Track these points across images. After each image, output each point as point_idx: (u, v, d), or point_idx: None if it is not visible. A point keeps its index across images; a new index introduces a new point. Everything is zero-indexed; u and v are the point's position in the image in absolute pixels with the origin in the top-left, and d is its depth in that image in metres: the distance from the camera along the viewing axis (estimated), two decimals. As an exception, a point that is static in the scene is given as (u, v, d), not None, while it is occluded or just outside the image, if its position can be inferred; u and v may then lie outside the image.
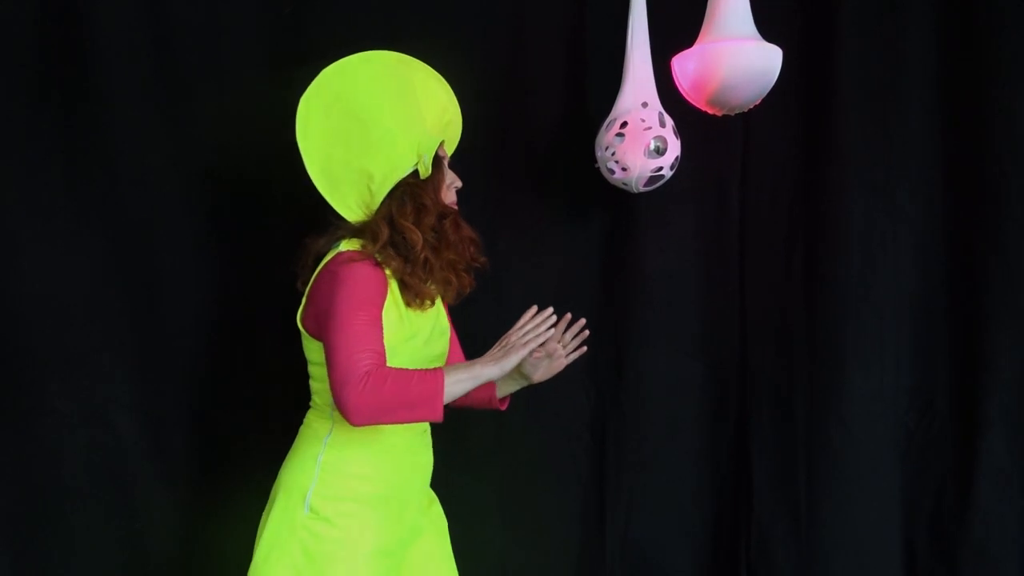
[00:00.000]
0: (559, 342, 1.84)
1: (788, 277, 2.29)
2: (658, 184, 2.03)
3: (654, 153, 1.97)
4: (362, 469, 1.71)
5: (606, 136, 2.01)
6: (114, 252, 2.14)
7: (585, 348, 1.87)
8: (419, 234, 1.69)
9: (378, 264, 1.67)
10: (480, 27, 2.21)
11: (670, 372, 2.32)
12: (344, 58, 1.74)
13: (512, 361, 1.67)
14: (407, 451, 1.78)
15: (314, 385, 1.77)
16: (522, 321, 1.72)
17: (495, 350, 1.71)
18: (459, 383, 1.63)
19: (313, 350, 1.72)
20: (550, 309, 1.73)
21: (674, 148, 1.99)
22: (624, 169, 1.99)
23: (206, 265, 2.19)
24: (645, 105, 1.99)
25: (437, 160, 1.74)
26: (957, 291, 2.27)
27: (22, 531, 2.15)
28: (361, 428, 1.64)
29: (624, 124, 1.98)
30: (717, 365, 2.34)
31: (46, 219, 2.10)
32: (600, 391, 2.31)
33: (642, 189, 2.03)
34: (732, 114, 2.00)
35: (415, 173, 1.69)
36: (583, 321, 1.84)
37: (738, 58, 1.85)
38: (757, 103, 1.96)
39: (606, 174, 2.04)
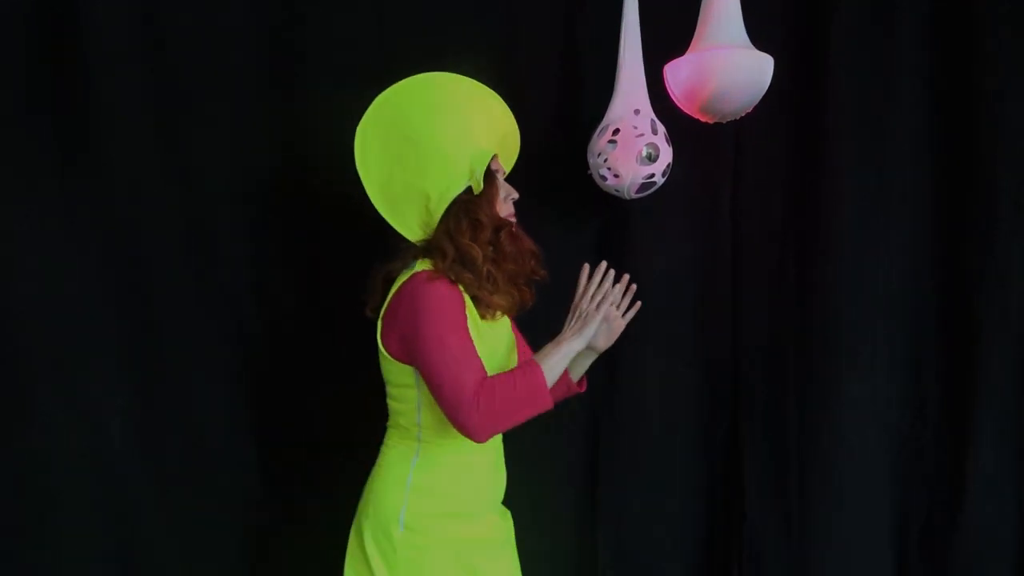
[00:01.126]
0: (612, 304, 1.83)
1: (780, 283, 2.30)
2: (650, 191, 2.04)
3: (646, 160, 1.98)
4: (448, 487, 1.75)
5: (598, 143, 2.02)
6: (106, 257, 2.14)
7: (640, 303, 1.87)
8: (478, 249, 1.70)
9: (452, 282, 1.69)
10: (473, 33, 2.21)
11: (663, 378, 2.32)
12: (396, 83, 1.77)
13: (592, 328, 1.73)
14: (487, 468, 1.82)
15: (394, 405, 1.79)
16: (582, 285, 1.77)
17: (571, 323, 1.75)
18: (554, 366, 1.69)
19: (395, 372, 1.73)
20: (604, 263, 1.77)
21: (666, 155, 2.00)
22: (616, 176, 2.00)
23: (198, 270, 2.19)
24: (637, 112, 2.00)
25: (490, 174, 1.75)
26: (949, 297, 2.28)
27: (12, 536, 2.14)
28: (446, 448, 1.73)
29: (616, 131, 1.99)
30: (710, 371, 2.35)
31: (38, 223, 2.09)
32: (593, 397, 2.31)
33: (634, 196, 2.04)
34: (724, 121, 2.01)
35: (469, 189, 1.71)
36: (627, 276, 1.82)
37: (730, 66, 1.86)
38: (749, 111, 1.98)
39: (598, 181, 2.05)
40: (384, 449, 1.82)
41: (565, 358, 1.71)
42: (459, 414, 1.60)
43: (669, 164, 2.01)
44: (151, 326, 2.18)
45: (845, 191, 2.25)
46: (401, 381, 1.73)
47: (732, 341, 2.33)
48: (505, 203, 1.80)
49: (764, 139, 2.27)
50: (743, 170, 2.30)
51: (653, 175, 2.00)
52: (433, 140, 1.72)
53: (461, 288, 1.70)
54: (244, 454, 2.25)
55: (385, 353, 1.73)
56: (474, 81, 1.84)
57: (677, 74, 1.95)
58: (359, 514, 1.79)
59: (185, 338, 2.19)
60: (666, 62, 1.99)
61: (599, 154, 2.01)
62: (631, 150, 1.97)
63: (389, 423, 1.82)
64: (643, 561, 2.37)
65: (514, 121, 1.89)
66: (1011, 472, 2.28)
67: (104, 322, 2.15)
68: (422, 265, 1.73)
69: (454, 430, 1.65)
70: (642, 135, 1.97)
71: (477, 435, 1.62)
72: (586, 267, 1.78)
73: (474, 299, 1.72)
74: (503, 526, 1.88)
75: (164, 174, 2.14)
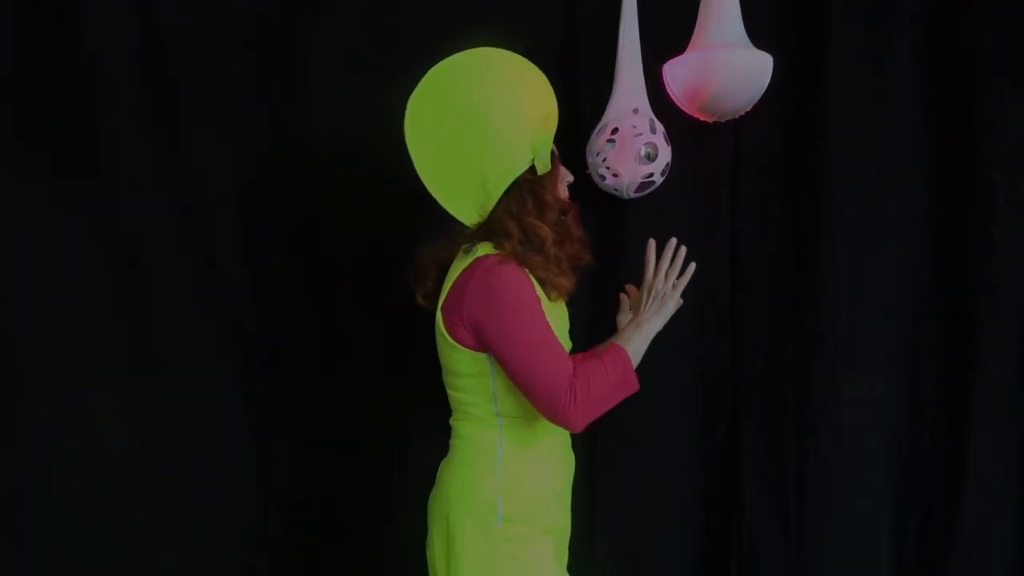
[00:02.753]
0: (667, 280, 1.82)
1: (778, 283, 2.30)
2: (649, 190, 2.04)
3: (645, 159, 1.98)
4: (538, 472, 1.73)
5: (597, 142, 2.01)
6: (104, 258, 2.13)
7: (693, 267, 1.85)
8: (546, 229, 1.67)
9: (520, 264, 1.65)
10: (470, 32, 2.21)
11: (661, 377, 2.31)
12: (448, 58, 1.71)
13: (671, 307, 1.77)
14: (565, 448, 1.82)
15: (463, 396, 1.74)
16: (651, 263, 1.78)
17: (649, 303, 1.76)
18: (639, 349, 1.72)
19: (465, 361, 1.69)
20: (673, 240, 1.79)
21: (665, 154, 2.00)
22: (615, 175, 2.00)
23: (196, 273, 2.18)
24: (636, 111, 1.99)
25: (553, 154, 1.73)
26: (946, 298, 2.28)
27: (11, 537, 2.14)
28: (530, 433, 1.71)
29: (615, 130, 1.98)
30: (708, 371, 2.34)
31: (34, 227, 2.09)
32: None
33: (633, 195, 2.04)
34: (723, 120, 2.01)
35: (531, 170, 1.68)
36: (684, 248, 1.83)
37: (730, 65, 1.85)
38: (748, 109, 1.97)
39: (597, 180, 2.05)
40: (459, 442, 1.75)
41: (645, 338, 1.73)
42: (557, 407, 1.59)
43: (668, 163, 2.01)
44: (149, 327, 2.18)
45: (844, 190, 2.25)
46: (473, 370, 1.68)
47: (731, 340, 2.33)
48: (563, 185, 1.79)
49: (763, 138, 2.27)
50: (742, 169, 2.30)
51: (652, 174, 1.99)
52: (492, 118, 1.65)
53: (527, 271, 1.66)
54: (243, 456, 2.25)
55: (453, 342, 1.67)
56: (523, 58, 1.79)
57: (676, 73, 1.94)
58: (442, 514, 1.72)
59: (184, 339, 2.19)
60: (665, 61, 1.99)
61: (598, 153, 2.01)
62: (630, 149, 1.97)
63: (457, 415, 1.77)
64: (643, 559, 2.36)
65: (555, 101, 1.83)
66: (1009, 472, 2.28)
67: (102, 323, 2.15)
68: (484, 248, 1.68)
69: (535, 413, 1.65)
70: (641, 134, 1.97)
71: (576, 426, 1.62)
72: (652, 243, 1.76)
73: (541, 281, 1.68)
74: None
75: (164, 174, 2.14)
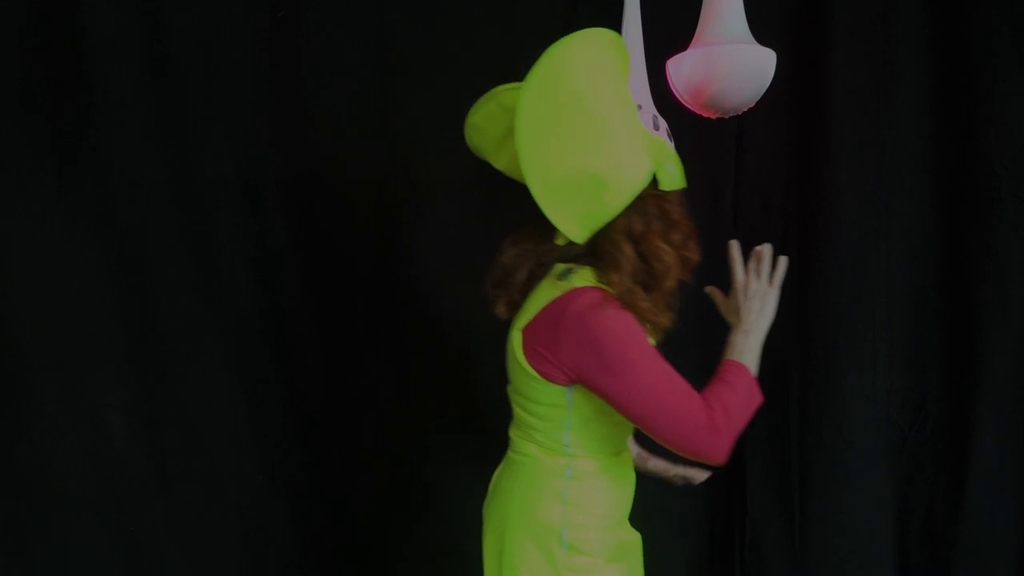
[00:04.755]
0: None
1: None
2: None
3: (648, 156, 1.96)
4: (603, 497, 1.62)
5: (600, 139, 2.00)
6: (108, 256, 2.13)
7: (784, 260, 1.69)
8: (672, 254, 1.49)
9: (624, 304, 1.45)
10: (473, 29, 2.20)
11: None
12: (569, 38, 1.42)
13: (773, 304, 1.61)
14: (628, 469, 1.72)
15: (533, 422, 1.59)
16: (739, 263, 1.61)
17: (749, 306, 1.60)
18: (754, 357, 1.57)
19: (543, 392, 1.53)
20: (767, 246, 1.62)
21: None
22: (619, 172, 1.98)
23: (200, 268, 2.18)
24: (639, 108, 1.98)
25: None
26: (949, 292, 2.28)
27: (16, 536, 2.13)
28: (598, 459, 1.59)
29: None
30: (710, 367, 2.34)
31: (38, 223, 2.09)
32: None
33: (636, 192, 2.02)
34: (726, 117, 1.99)
35: (653, 183, 1.48)
36: (767, 244, 1.67)
37: (734, 61, 1.84)
38: (751, 105, 1.96)
39: (600, 176, 2.03)
40: (520, 458, 1.62)
41: (759, 344, 1.59)
42: (700, 443, 1.45)
43: (671, 160, 2.00)
44: (152, 324, 2.18)
45: (846, 186, 2.25)
46: (549, 400, 1.54)
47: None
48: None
49: (766, 134, 2.26)
50: (744, 165, 2.29)
51: (655, 171, 1.98)
52: (613, 114, 1.41)
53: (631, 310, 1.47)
54: (246, 452, 2.25)
55: (533, 372, 1.51)
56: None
57: (680, 69, 1.93)
58: (497, 527, 1.62)
59: (186, 336, 2.19)
60: (668, 57, 1.98)
61: (601, 150, 1.99)
62: (633, 146, 1.95)
63: (520, 431, 1.64)
64: (645, 556, 2.36)
65: None
66: (1012, 466, 2.29)
67: (105, 320, 2.15)
68: (583, 277, 1.49)
69: (606, 447, 1.56)
70: (644, 131, 1.95)
71: (723, 459, 1.48)
72: (734, 244, 1.61)
73: (641, 321, 1.49)
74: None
75: (164, 174, 2.13)
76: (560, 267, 1.52)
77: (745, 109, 1.97)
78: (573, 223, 1.43)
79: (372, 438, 2.31)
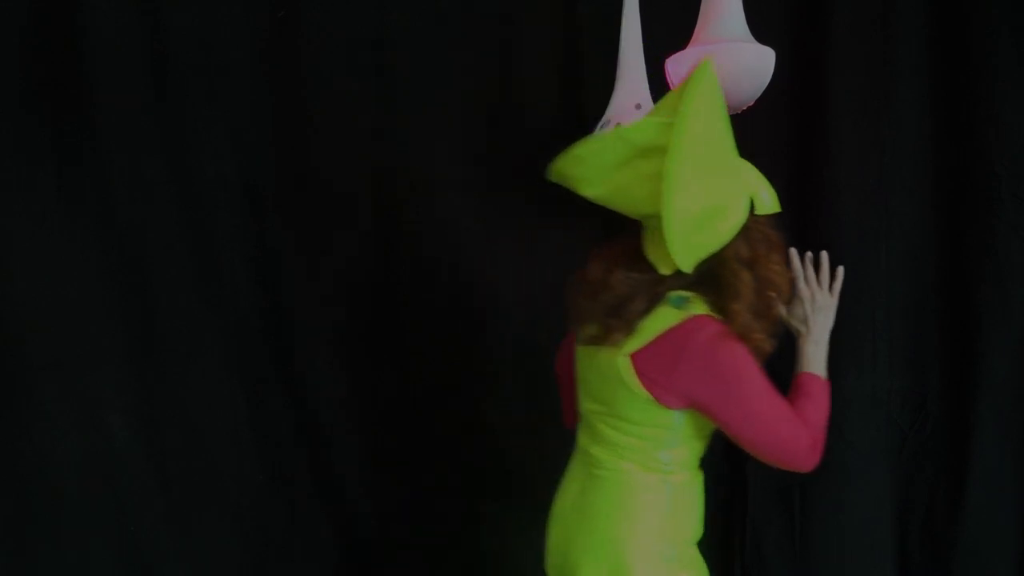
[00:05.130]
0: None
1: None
2: (651, 186, 2.03)
3: (647, 155, 1.97)
4: (692, 509, 1.71)
5: (600, 138, 2.00)
6: (108, 256, 2.14)
7: (841, 270, 1.78)
8: (785, 276, 1.57)
9: (740, 335, 1.50)
10: (473, 28, 2.20)
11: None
12: (701, 72, 1.43)
13: (834, 306, 1.73)
14: (702, 485, 1.77)
15: (631, 441, 1.62)
16: (800, 272, 1.70)
17: (813, 316, 1.70)
18: (824, 367, 1.69)
19: (652, 414, 1.57)
20: (824, 253, 1.71)
21: (667, 150, 1.98)
22: (618, 171, 1.98)
23: (200, 268, 2.18)
24: (638, 107, 1.98)
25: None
26: (949, 292, 2.28)
27: (16, 536, 2.13)
28: (689, 474, 1.67)
29: (618, 126, 1.97)
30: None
31: (38, 223, 2.09)
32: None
33: (636, 190, 2.02)
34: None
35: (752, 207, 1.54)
36: (824, 253, 1.77)
37: (733, 59, 1.84)
38: (751, 104, 1.96)
39: (600, 176, 2.03)
40: (611, 475, 1.64)
41: (824, 351, 1.70)
42: (800, 462, 1.58)
43: (670, 159, 2.00)
44: (152, 324, 2.18)
45: (846, 186, 2.24)
46: (656, 423, 1.58)
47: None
48: None
49: (764, 134, 2.26)
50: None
51: (654, 170, 1.98)
52: (728, 136, 1.50)
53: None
54: (246, 452, 2.25)
55: (648, 396, 1.54)
56: None
57: (679, 68, 1.93)
58: (601, 552, 1.63)
59: (186, 336, 2.19)
60: (667, 55, 1.98)
61: (600, 149, 2.00)
62: (632, 145, 1.95)
63: (608, 451, 1.65)
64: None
65: None
66: (1012, 466, 2.28)
67: (105, 320, 2.15)
68: (698, 306, 1.53)
69: (696, 458, 1.66)
70: (643, 130, 1.95)
71: (812, 468, 1.60)
72: (793, 252, 1.67)
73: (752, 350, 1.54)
74: None
75: (164, 174, 2.14)
76: (675, 294, 1.55)
77: (744, 108, 1.97)
78: (688, 253, 1.46)
79: (372, 438, 2.31)
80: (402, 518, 2.33)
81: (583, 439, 1.73)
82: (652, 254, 1.53)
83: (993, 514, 2.27)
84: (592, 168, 1.57)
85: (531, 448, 2.28)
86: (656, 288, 1.55)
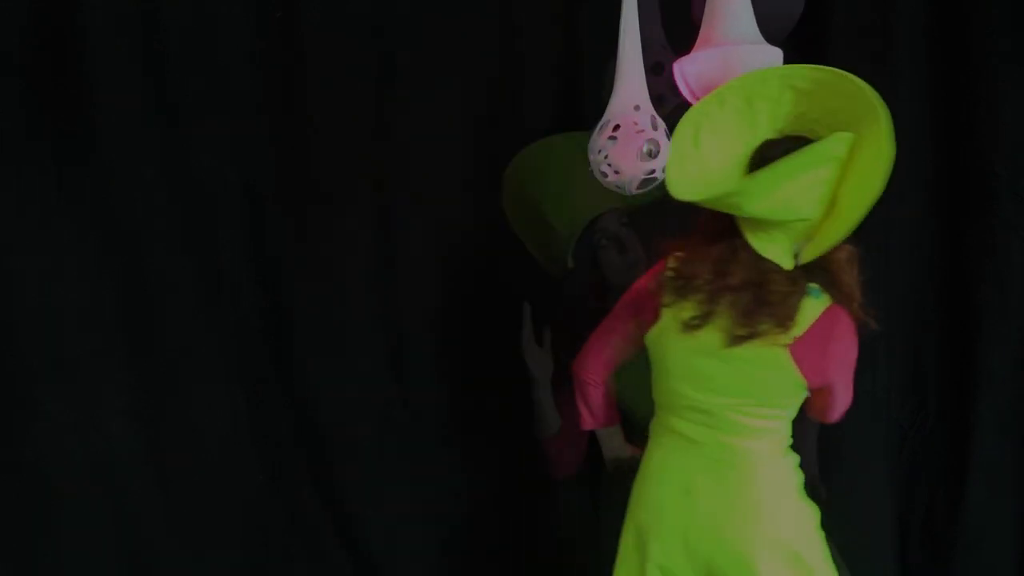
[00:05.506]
0: None
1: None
2: (651, 187, 2.03)
3: (647, 156, 1.97)
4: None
5: (599, 139, 2.00)
6: (106, 257, 2.13)
7: None
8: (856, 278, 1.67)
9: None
10: (471, 29, 2.20)
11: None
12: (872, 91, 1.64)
13: None
14: None
15: (776, 426, 1.72)
16: None
17: None
18: None
19: (797, 394, 1.69)
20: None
21: (667, 151, 1.98)
22: (617, 172, 1.98)
23: (200, 268, 2.18)
24: (637, 108, 1.98)
25: None
26: (949, 292, 2.28)
27: (15, 538, 2.13)
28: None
29: (617, 127, 1.97)
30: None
31: (38, 223, 2.09)
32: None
33: (635, 192, 2.03)
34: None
35: None
36: None
37: (749, 61, 1.84)
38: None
39: (599, 177, 2.03)
40: (762, 461, 1.72)
41: None
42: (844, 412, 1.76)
43: (670, 160, 2.00)
44: (152, 324, 2.18)
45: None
46: (795, 403, 1.72)
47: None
48: None
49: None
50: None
51: (654, 171, 1.98)
52: None
53: None
54: (246, 452, 2.25)
55: (803, 382, 1.66)
56: None
57: (690, 70, 1.93)
58: (777, 551, 1.69)
59: (186, 337, 2.19)
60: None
61: (599, 151, 1.99)
62: (631, 146, 1.95)
63: (751, 442, 1.71)
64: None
65: None
66: (1012, 466, 2.29)
67: (105, 322, 2.15)
68: (826, 296, 1.65)
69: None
70: (642, 131, 1.95)
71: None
72: None
73: None
74: None
75: (164, 174, 2.13)
76: (812, 286, 1.65)
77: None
78: (783, 250, 1.61)
79: (372, 438, 2.31)
80: (402, 518, 2.33)
81: (697, 432, 1.73)
82: (770, 251, 1.61)
83: (993, 512, 2.28)
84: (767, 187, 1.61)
85: (531, 448, 2.29)
86: (800, 282, 1.63)
